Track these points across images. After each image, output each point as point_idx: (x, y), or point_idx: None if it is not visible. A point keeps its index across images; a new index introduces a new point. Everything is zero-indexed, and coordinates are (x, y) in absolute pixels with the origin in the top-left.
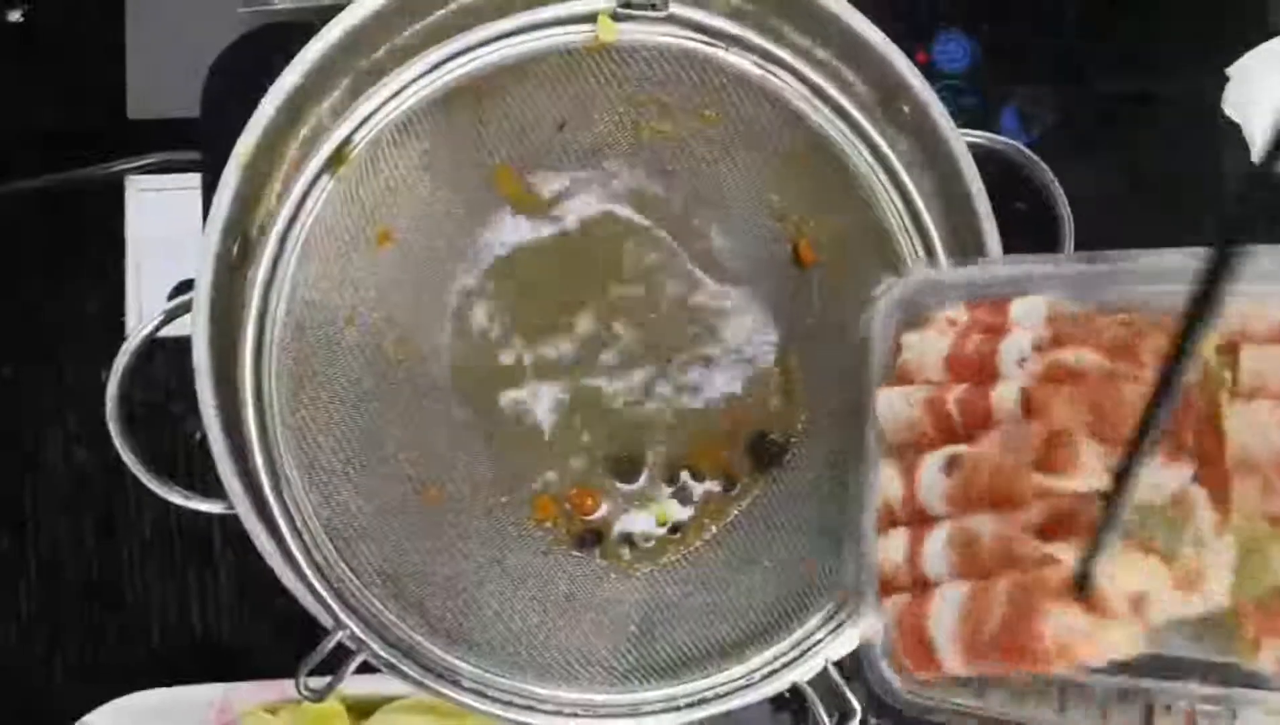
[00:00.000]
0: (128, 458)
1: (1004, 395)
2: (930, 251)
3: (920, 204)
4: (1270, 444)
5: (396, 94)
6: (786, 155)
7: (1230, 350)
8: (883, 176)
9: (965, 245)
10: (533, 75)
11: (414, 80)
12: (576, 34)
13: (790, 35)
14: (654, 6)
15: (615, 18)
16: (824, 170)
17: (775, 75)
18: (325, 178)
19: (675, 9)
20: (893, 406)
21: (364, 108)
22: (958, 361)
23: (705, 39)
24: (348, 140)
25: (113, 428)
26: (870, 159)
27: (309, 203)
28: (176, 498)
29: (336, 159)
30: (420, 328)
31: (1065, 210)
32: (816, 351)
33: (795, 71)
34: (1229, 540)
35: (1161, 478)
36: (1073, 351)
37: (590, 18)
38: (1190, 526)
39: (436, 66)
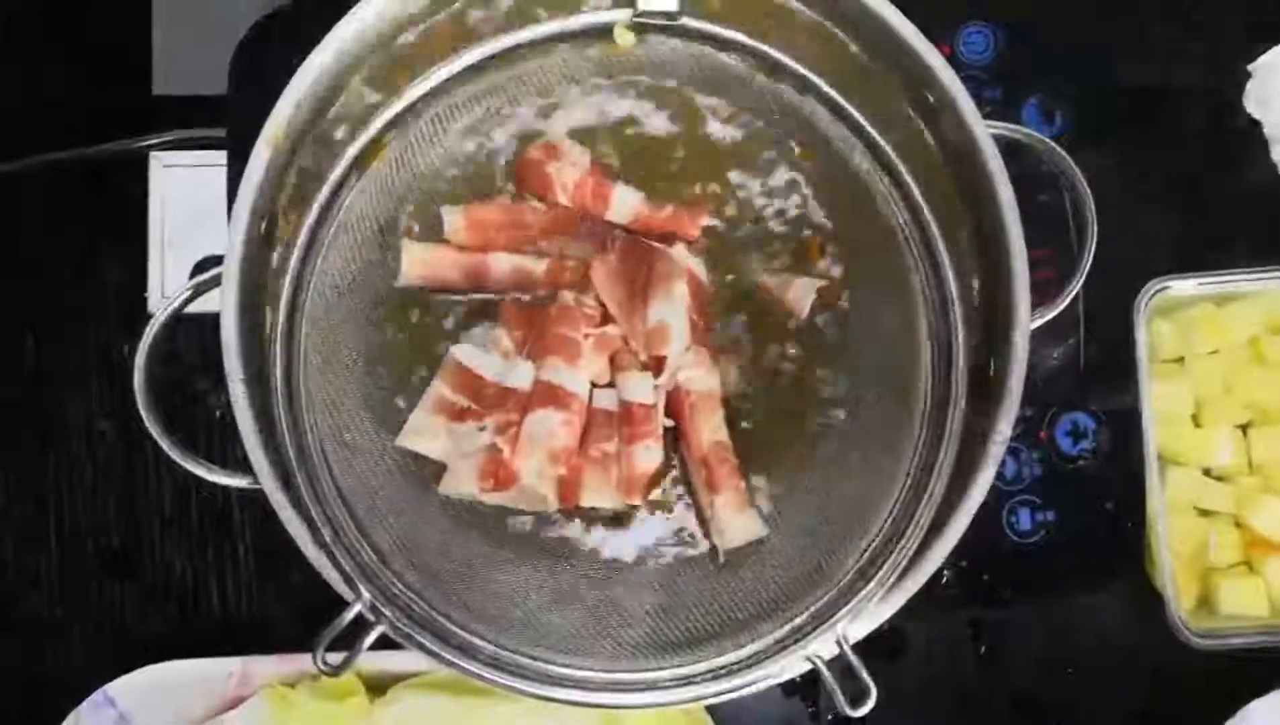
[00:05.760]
0: (155, 431)
1: None
2: (933, 252)
3: (927, 212)
4: None
5: (430, 89)
6: (799, 159)
7: None
8: (886, 181)
9: (988, 235)
10: (553, 79)
11: (447, 78)
12: (594, 43)
13: (803, 42)
14: (669, 17)
15: (631, 28)
16: (836, 176)
17: (784, 84)
18: (358, 167)
19: (688, 20)
20: None
21: (399, 100)
22: None
23: (718, 49)
24: (379, 135)
25: (140, 401)
26: (873, 165)
27: (343, 189)
28: (201, 471)
29: (371, 150)
30: (448, 311)
31: (1090, 202)
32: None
33: (804, 81)
34: None
35: None
36: None
37: (607, 28)
38: None
39: (470, 66)
